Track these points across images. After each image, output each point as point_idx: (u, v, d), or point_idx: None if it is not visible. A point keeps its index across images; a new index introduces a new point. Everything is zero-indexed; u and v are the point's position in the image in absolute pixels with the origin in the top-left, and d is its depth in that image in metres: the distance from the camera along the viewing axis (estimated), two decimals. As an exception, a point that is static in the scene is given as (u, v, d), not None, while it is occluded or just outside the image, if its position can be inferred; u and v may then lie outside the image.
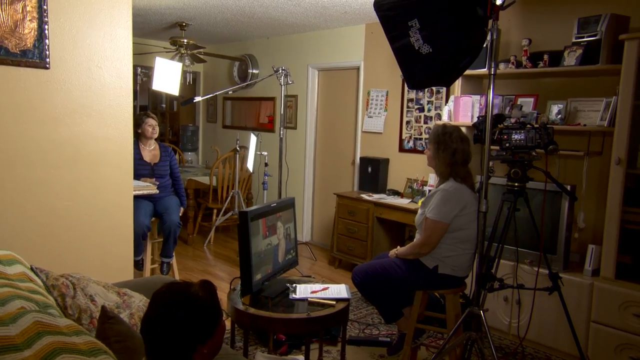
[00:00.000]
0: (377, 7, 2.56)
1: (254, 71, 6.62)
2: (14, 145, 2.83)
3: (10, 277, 1.70)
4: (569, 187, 3.18)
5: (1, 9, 2.58)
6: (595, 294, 3.16)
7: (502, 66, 3.65)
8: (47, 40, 2.79)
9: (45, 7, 2.75)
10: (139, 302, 2.26)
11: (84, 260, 3.07)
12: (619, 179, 3.10)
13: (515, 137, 2.80)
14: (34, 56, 2.76)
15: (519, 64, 3.62)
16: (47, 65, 2.84)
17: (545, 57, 3.45)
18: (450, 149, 2.78)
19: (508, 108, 3.68)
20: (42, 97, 2.89)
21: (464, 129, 3.73)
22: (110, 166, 3.23)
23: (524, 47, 3.58)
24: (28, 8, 2.68)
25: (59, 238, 3.04)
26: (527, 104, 3.66)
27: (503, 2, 2.41)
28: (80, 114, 3.06)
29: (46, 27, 2.78)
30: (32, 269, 1.92)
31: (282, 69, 4.22)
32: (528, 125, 2.81)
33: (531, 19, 3.86)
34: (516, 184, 2.81)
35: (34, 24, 2.72)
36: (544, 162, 2.83)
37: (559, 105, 3.50)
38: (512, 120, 2.97)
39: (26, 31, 2.70)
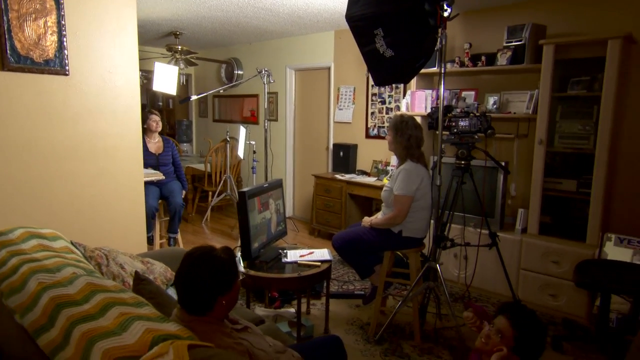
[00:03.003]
0: (348, 18, 2.61)
1: (239, 72, 6.56)
2: (44, 142, 2.82)
3: (57, 250, 1.76)
4: (503, 163, 3.35)
5: (27, 25, 2.55)
6: (524, 247, 3.38)
7: (449, 65, 3.77)
8: (66, 51, 2.77)
9: (63, 22, 2.72)
10: (160, 268, 2.34)
11: (107, 237, 3.11)
12: (541, 155, 3.30)
13: (461, 123, 2.92)
14: (55, 65, 2.74)
15: (462, 64, 3.75)
16: (67, 72, 2.82)
17: (483, 58, 3.59)
18: (406, 135, 2.83)
19: (455, 100, 3.81)
20: (63, 100, 2.87)
21: (418, 118, 3.86)
22: (123, 158, 3.24)
23: (466, 50, 3.71)
24: (49, 23, 2.65)
25: (86, 219, 3.06)
26: (470, 96, 3.79)
27: (449, 15, 2.52)
28: (95, 114, 3.05)
29: (65, 39, 2.75)
30: (72, 243, 1.97)
31: (265, 70, 4.24)
32: (471, 114, 2.92)
33: (471, 27, 3.98)
34: (463, 162, 2.95)
35: (55, 37, 2.69)
36: (484, 144, 2.98)
37: (494, 97, 3.64)
38: (459, 110, 3.08)
39: (48, 43, 2.67)
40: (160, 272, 2.28)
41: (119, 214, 3.24)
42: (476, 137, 2.90)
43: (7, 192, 2.71)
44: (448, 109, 2.98)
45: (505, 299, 3.45)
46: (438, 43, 2.61)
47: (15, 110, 2.68)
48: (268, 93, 4.54)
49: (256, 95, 6.42)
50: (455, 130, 2.93)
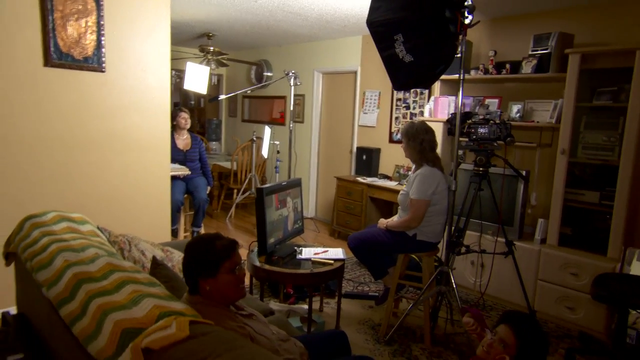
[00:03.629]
0: (369, 24, 2.67)
1: (268, 74, 6.70)
2: (79, 134, 3.01)
3: (83, 233, 1.90)
4: (524, 172, 3.32)
5: (69, 25, 2.74)
6: (542, 258, 3.33)
7: (472, 72, 3.77)
8: (103, 49, 2.95)
9: (102, 22, 2.90)
10: (178, 257, 2.45)
11: (133, 226, 3.26)
12: (563, 165, 3.25)
13: (481, 130, 2.92)
14: (93, 62, 2.92)
15: (486, 71, 3.73)
16: (103, 70, 3.00)
17: (508, 66, 3.57)
18: (418, 140, 2.87)
19: (477, 107, 3.80)
20: (99, 95, 3.05)
21: (440, 125, 3.87)
22: (152, 152, 3.39)
23: (490, 57, 3.69)
24: (89, 23, 2.83)
25: (114, 207, 3.24)
26: (493, 104, 3.78)
27: (470, 22, 2.54)
28: (128, 109, 3.22)
29: (103, 38, 2.93)
30: (98, 228, 2.11)
31: (292, 73, 4.32)
32: (491, 122, 2.93)
33: (497, 34, 3.96)
34: (481, 169, 2.94)
35: (94, 36, 2.87)
36: (504, 152, 2.97)
37: (518, 106, 3.61)
38: (480, 117, 3.10)
39: (87, 42, 2.86)
40: (179, 260, 2.39)
41: (145, 205, 3.40)
42: (495, 144, 2.90)
43: (43, 178, 2.90)
44: (468, 115, 2.99)
45: (520, 309, 3.41)
46: (458, 50, 2.63)
47: (55, 103, 2.88)
48: (295, 95, 4.64)
49: (284, 97, 6.54)
50: (474, 137, 2.94)
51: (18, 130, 2.78)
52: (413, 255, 3.31)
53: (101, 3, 2.89)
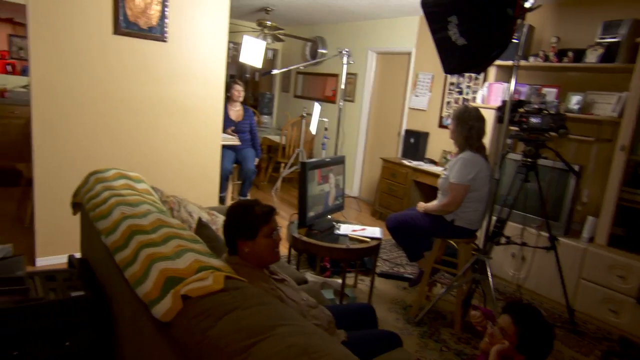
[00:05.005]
0: (424, 4, 2.63)
1: (323, 51, 6.70)
2: (140, 99, 3.22)
3: (139, 191, 2.07)
4: (577, 167, 3.19)
5: (137, -5, 2.91)
6: (588, 257, 3.21)
7: (531, 59, 3.61)
8: (166, 20, 3.11)
9: (167, -6, 3.05)
10: (222, 220, 2.60)
11: (183, 188, 3.47)
12: (621, 162, 3.08)
13: (533, 120, 2.83)
14: (157, 32, 3.09)
15: (546, 58, 3.56)
16: (165, 39, 3.17)
17: (570, 54, 3.38)
18: (467, 126, 2.82)
19: (532, 95, 3.65)
20: (160, 63, 3.23)
21: (492, 112, 3.75)
22: (205, 119, 3.56)
23: (552, 44, 3.51)
24: (155, -6, 2.99)
25: (167, 169, 3.45)
26: (551, 93, 3.61)
27: (531, 6, 2.43)
28: (186, 77, 3.39)
29: (167, 10, 3.08)
30: (152, 187, 2.29)
31: (346, 51, 4.31)
32: (544, 111, 2.83)
33: (562, 20, 3.75)
34: (529, 160, 2.87)
35: (159, 7, 3.03)
36: (556, 144, 2.86)
37: (578, 97, 3.43)
38: (534, 106, 2.98)
39: (152, 12, 3.02)
40: (222, 224, 2.54)
41: (196, 170, 3.60)
42: (547, 135, 2.80)
43: (107, 137, 3.14)
44: (520, 103, 2.89)
45: (559, 307, 3.33)
46: (516, 35, 2.53)
47: (121, 68, 3.08)
48: (347, 74, 4.64)
49: (336, 75, 6.54)
50: (525, 127, 2.85)
51: (88, 92, 3.02)
52: (450, 241, 3.29)
53: (167, -25, 3.03)
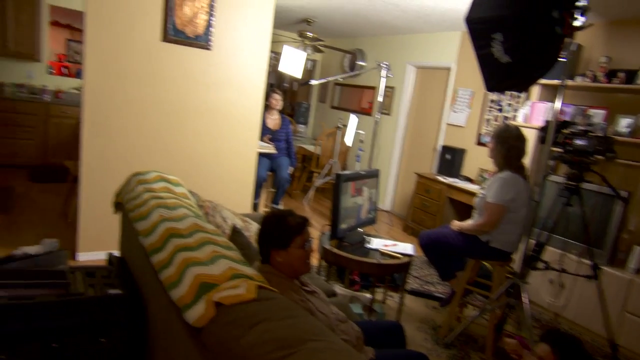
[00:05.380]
0: (469, 21, 2.58)
1: (362, 63, 6.71)
2: (182, 104, 3.31)
3: (177, 194, 2.12)
4: (624, 193, 3.03)
5: (186, 5, 3.01)
6: (634, 289, 3.03)
7: (578, 79, 3.48)
8: (212, 29, 3.20)
9: (214, 4, 3.14)
10: (256, 228, 2.63)
11: (219, 193, 3.53)
12: (674, 191, 2.90)
13: (578, 142, 2.71)
14: (202, 40, 3.18)
15: (594, 79, 3.42)
16: (210, 48, 3.26)
17: (621, 74, 3.24)
18: (506, 145, 2.74)
19: (578, 116, 3.51)
20: (204, 70, 3.32)
21: (534, 132, 3.64)
22: (244, 126, 3.62)
23: (602, 64, 3.37)
24: (203, 4, 3.09)
25: (205, 173, 3.53)
26: (598, 115, 3.46)
27: (582, 24, 2.35)
28: (228, 85, 3.47)
29: (213, 19, 3.17)
30: (189, 191, 2.34)
31: (384, 64, 4.30)
32: (591, 133, 2.71)
33: (614, 38, 3.60)
34: (572, 183, 2.74)
35: (206, 17, 3.13)
36: (602, 168, 2.73)
37: (629, 120, 3.27)
38: (579, 128, 2.87)
39: (199, 21, 3.12)
40: (255, 231, 2.56)
41: (232, 176, 3.66)
42: (593, 158, 2.68)
43: (150, 140, 3.25)
44: (565, 124, 2.79)
45: (600, 340, 3.16)
46: (563, 53, 2.45)
47: (167, 74, 3.19)
48: (385, 87, 4.62)
49: (373, 88, 6.52)
50: (569, 148, 2.74)
51: (135, 96, 3.13)
52: (484, 262, 3.19)
53: (215, -14, 3.13)
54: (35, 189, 4.76)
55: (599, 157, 2.67)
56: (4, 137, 5.18)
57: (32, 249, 2.17)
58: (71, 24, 5.72)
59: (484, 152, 4.82)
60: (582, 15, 2.32)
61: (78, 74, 5.80)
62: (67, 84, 5.80)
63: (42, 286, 1.66)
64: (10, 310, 1.47)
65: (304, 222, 1.67)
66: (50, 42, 5.63)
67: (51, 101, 5.45)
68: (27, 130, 5.28)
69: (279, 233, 1.62)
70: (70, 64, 5.82)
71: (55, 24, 5.62)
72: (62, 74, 5.78)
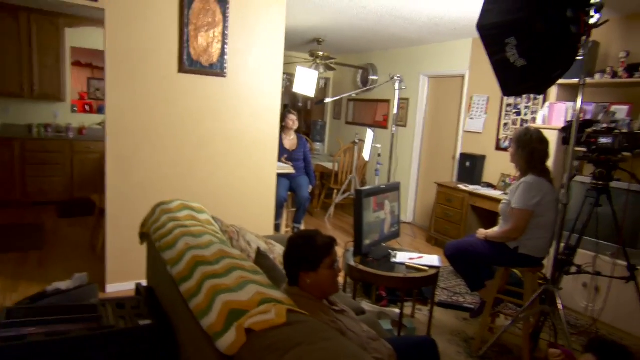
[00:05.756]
0: (480, 28, 2.55)
1: (374, 77, 6.73)
2: (201, 132, 3.37)
3: (201, 221, 2.13)
4: (656, 189, 2.92)
5: (200, 36, 3.09)
6: (675, 288, 2.89)
7: (597, 76, 3.41)
8: (226, 57, 3.26)
9: (227, 32, 3.21)
10: (280, 249, 2.62)
11: (240, 217, 3.54)
12: None
13: (603, 140, 2.64)
14: (217, 68, 3.25)
15: (615, 74, 3.35)
16: (225, 75, 3.32)
17: (642, 68, 3.17)
18: (528, 149, 2.68)
19: (600, 114, 3.43)
20: (220, 97, 3.38)
21: (555, 133, 3.56)
22: (262, 149, 3.65)
23: (621, 59, 3.30)
24: (216, 34, 3.16)
25: (226, 198, 3.55)
26: (621, 111, 3.37)
27: (597, 21, 2.30)
28: (243, 111, 3.51)
29: (226, 47, 3.24)
30: (213, 217, 2.36)
31: (397, 77, 4.30)
32: (616, 131, 2.64)
33: (631, 33, 3.52)
34: (600, 183, 2.67)
35: (219, 45, 3.19)
36: (631, 164, 2.65)
37: (654, 114, 3.18)
38: (604, 126, 2.80)
39: (213, 50, 3.18)
40: (279, 253, 2.55)
41: (252, 199, 3.67)
42: (620, 156, 2.60)
43: (171, 169, 3.30)
44: (587, 123, 2.72)
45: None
46: (580, 52, 2.40)
47: (185, 104, 3.26)
48: (399, 99, 4.61)
49: (387, 101, 6.52)
50: (594, 147, 2.67)
51: (155, 128, 3.20)
52: (514, 270, 3.11)
53: (227, 15, 3.20)
54: (63, 224, 4.87)
55: (627, 154, 2.59)
56: (33, 175, 5.34)
57: (63, 284, 2.21)
58: (92, 63, 5.93)
59: (505, 157, 4.74)
60: (596, 12, 2.28)
61: (99, 110, 5.98)
62: (90, 120, 5.98)
63: (75, 321, 1.68)
64: (46, 347, 1.49)
65: (331, 242, 1.65)
66: (73, 82, 5.84)
67: (75, 138, 5.62)
68: (54, 167, 5.44)
69: (307, 255, 1.60)
70: (92, 101, 6.01)
71: (76, 64, 5.83)
72: (84, 111, 5.98)
